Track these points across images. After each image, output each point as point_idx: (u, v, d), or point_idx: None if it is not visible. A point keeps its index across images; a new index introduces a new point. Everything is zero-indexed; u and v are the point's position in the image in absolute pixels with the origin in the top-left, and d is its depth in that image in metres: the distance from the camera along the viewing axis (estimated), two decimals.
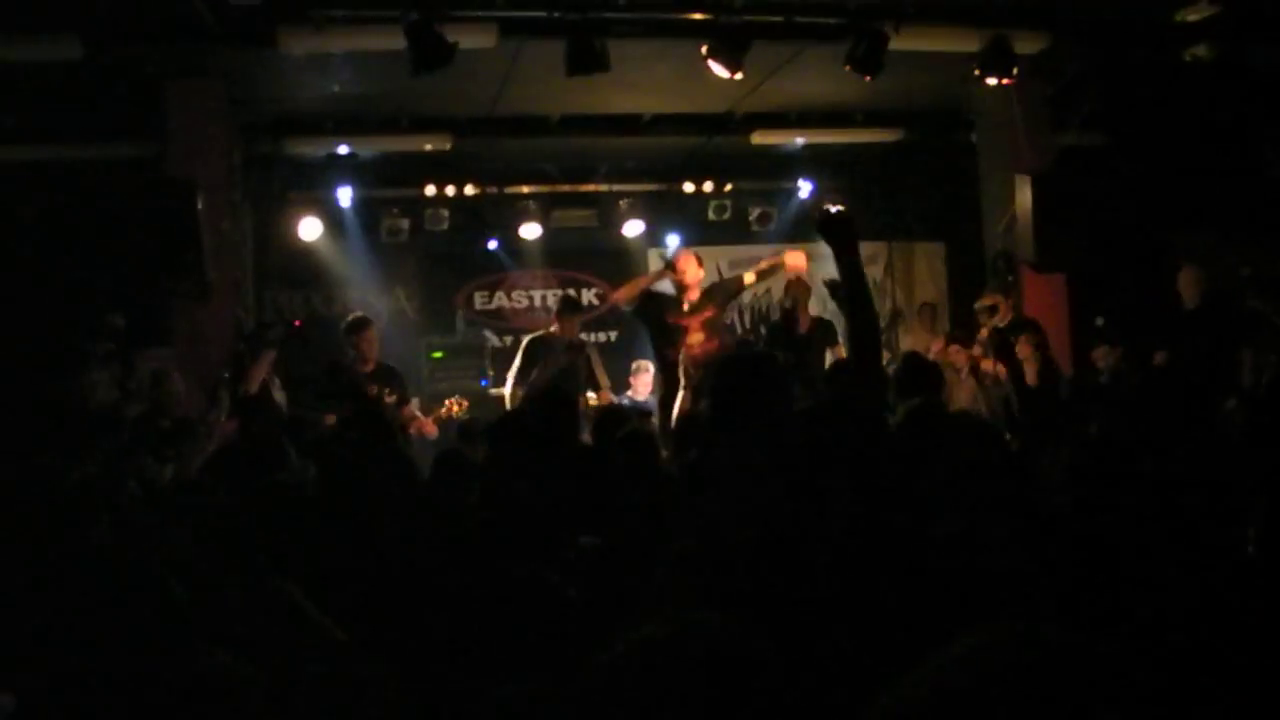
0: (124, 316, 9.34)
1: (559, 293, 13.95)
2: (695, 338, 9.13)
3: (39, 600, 2.99)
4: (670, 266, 9.56)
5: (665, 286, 9.72)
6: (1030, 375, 10.08)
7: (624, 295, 9.86)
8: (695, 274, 9.44)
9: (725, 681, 1.54)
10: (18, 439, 6.94)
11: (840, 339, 10.20)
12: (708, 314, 9.31)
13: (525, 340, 10.47)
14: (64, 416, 8.05)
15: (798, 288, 10.53)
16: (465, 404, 10.06)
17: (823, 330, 10.25)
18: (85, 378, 8.46)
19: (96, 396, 8.35)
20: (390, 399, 9.55)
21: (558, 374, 9.91)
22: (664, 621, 1.62)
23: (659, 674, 1.55)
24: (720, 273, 13.90)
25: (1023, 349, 10.18)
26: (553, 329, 10.44)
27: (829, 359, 9.86)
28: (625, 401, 11.30)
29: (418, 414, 10.01)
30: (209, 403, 8.50)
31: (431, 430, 9.81)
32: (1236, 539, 3.52)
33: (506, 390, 10.25)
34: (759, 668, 1.57)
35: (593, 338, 13.70)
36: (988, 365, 10.33)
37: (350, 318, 10.03)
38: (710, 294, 9.56)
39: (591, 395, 10.31)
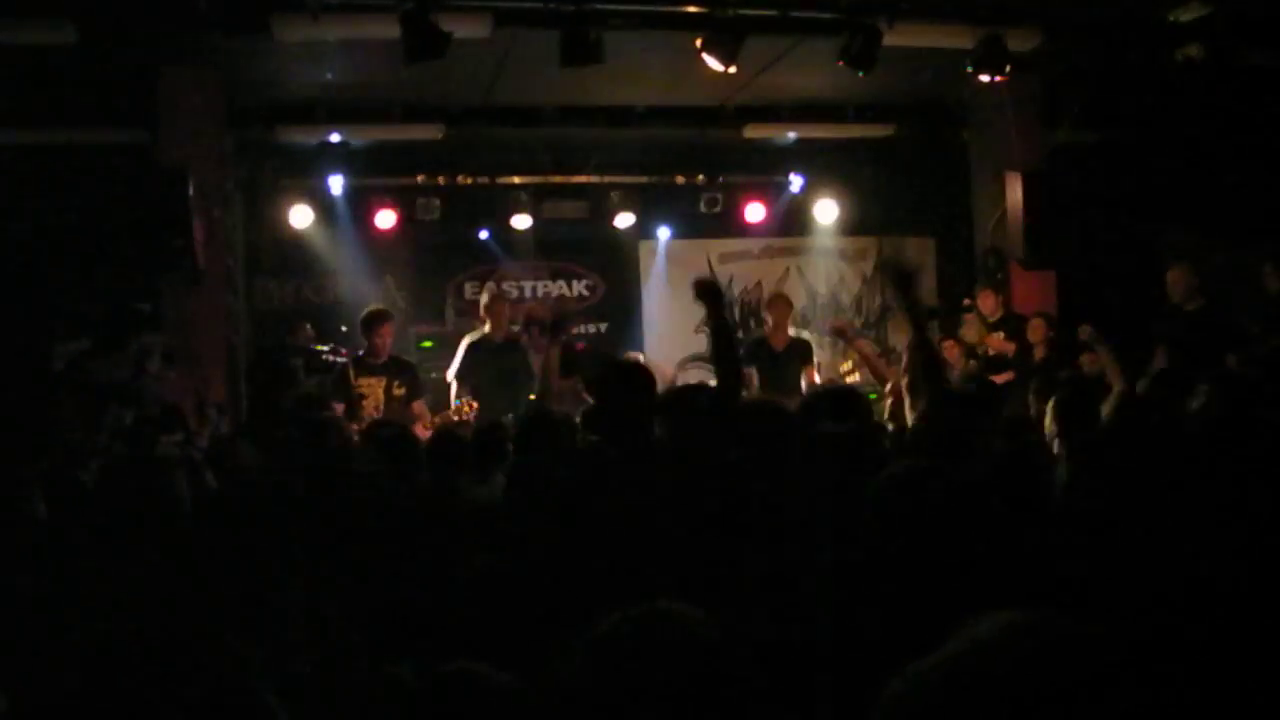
0: (148, 304, 9.37)
1: (549, 284, 13.98)
2: None
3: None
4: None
5: None
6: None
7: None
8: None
9: (695, 667, 1.56)
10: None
11: (814, 360, 10.38)
12: None
13: (466, 340, 10.41)
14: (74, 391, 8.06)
15: (778, 305, 10.59)
16: (475, 406, 9.87)
17: (800, 350, 10.33)
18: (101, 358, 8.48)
19: (111, 376, 8.37)
20: (399, 392, 9.52)
21: (496, 379, 9.98)
22: (637, 609, 1.64)
23: (631, 660, 1.56)
24: (711, 266, 13.96)
25: (1034, 331, 10.25)
26: (486, 329, 10.36)
27: (803, 377, 10.04)
28: None
29: (425, 413, 9.84)
30: (198, 417, 8.49)
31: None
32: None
33: (453, 387, 10.20)
34: (729, 653, 1.59)
35: (582, 330, 13.73)
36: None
37: (367, 310, 10.03)
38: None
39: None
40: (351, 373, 9.56)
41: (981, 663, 1.37)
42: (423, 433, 9.39)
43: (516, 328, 10.67)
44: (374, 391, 9.52)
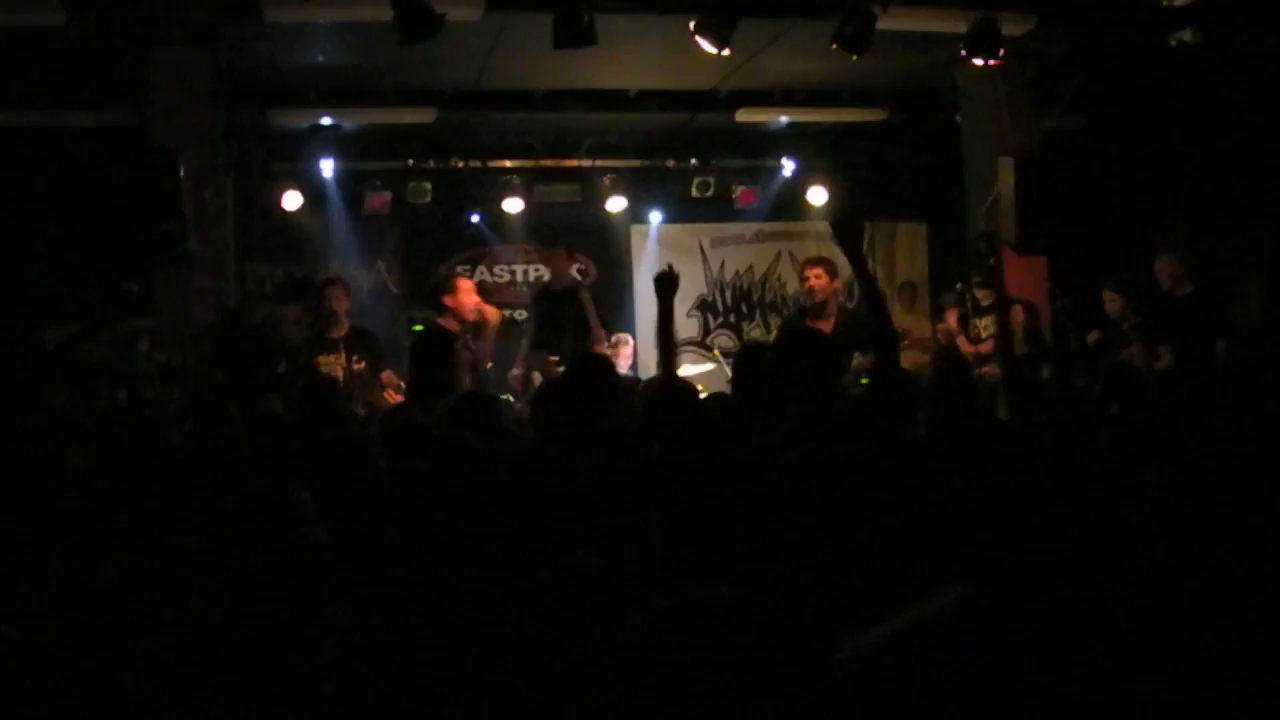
0: (137, 283, 9.28)
1: (540, 267, 13.96)
2: None
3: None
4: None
5: None
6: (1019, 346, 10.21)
7: None
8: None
9: (742, 652, 1.54)
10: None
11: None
12: None
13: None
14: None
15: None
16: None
17: (851, 331, 9.53)
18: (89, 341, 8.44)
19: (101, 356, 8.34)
20: (359, 365, 9.47)
21: (541, 326, 9.97)
22: (678, 595, 1.62)
23: (676, 647, 1.55)
24: (702, 250, 13.96)
25: (1015, 319, 10.28)
26: (546, 278, 10.49)
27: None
28: None
29: (395, 380, 9.81)
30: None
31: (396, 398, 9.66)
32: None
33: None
34: (774, 637, 1.57)
35: None
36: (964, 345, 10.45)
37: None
38: None
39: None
40: (310, 352, 9.52)
41: (926, 635, 1.37)
42: (393, 398, 9.43)
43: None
44: (333, 368, 9.45)
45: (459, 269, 13.47)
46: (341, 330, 9.66)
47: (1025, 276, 11.27)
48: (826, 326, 9.14)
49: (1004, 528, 3.17)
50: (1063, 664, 1.42)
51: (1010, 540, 3.07)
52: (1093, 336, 9.93)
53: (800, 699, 1.51)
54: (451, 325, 9.52)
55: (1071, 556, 2.88)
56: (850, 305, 12.16)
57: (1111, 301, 9.75)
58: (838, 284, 9.63)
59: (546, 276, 13.91)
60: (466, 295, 9.67)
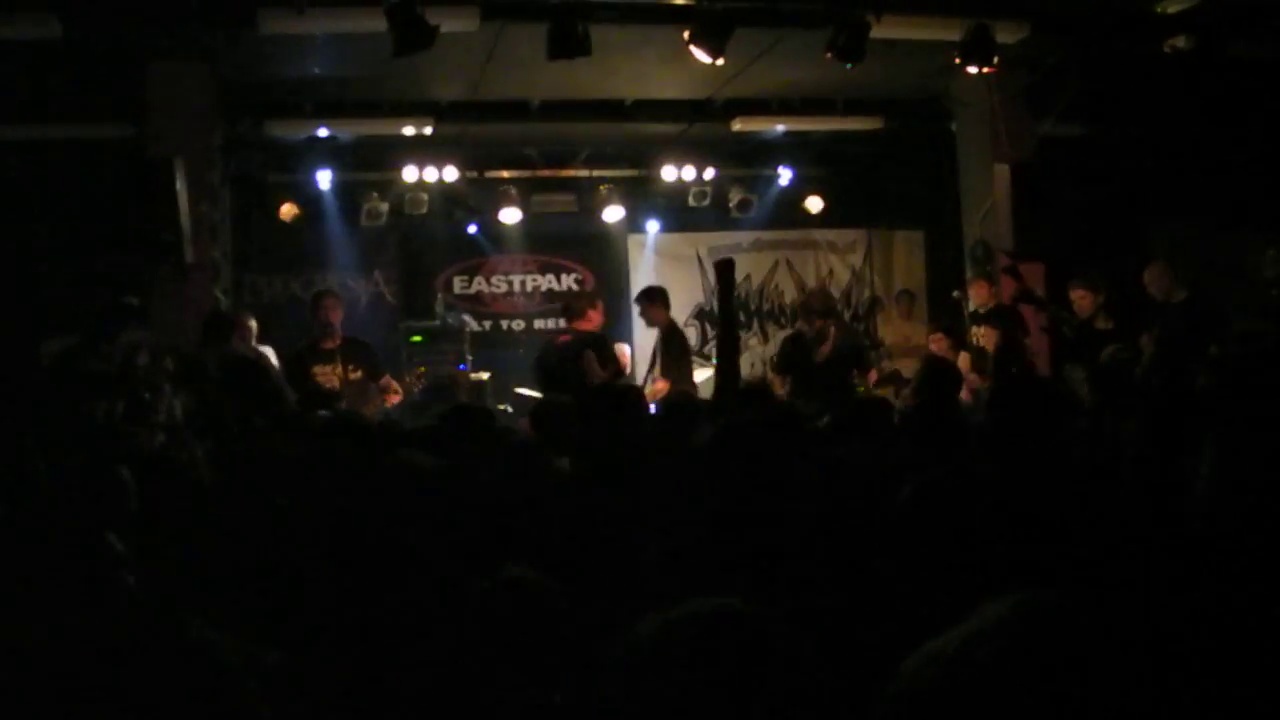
0: (138, 298, 9.22)
1: (538, 278, 13.97)
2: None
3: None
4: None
5: None
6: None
7: None
8: None
9: (747, 665, 1.54)
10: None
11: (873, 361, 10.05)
12: None
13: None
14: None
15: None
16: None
17: (846, 348, 10.06)
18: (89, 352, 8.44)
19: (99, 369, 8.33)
20: (355, 375, 9.48)
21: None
22: (676, 608, 1.61)
23: (678, 661, 1.54)
24: (700, 259, 13.96)
25: (987, 337, 10.30)
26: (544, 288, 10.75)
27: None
28: None
29: (393, 383, 9.83)
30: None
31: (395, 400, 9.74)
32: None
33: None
34: (779, 648, 1.57)
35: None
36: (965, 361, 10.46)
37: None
38: None
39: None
40: (305, 363, 9.53)
41: (996, 641, 1.37)
42: (392, 401, 9.49)
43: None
44: (329, 378, 9.45)
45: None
46: (335, 341, 9.66)
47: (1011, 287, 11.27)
48: (827, 348, 9.91)
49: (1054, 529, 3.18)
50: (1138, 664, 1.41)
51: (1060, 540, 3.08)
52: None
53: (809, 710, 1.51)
54: (588, 327, 9.92)
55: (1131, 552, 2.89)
56: (846, 317, 12.27)
57: (1081, 299, 9.64)
58: (829, 322, 10.15)
59: (545, 287, 13.95)
60: (600, 315, 10.15)
